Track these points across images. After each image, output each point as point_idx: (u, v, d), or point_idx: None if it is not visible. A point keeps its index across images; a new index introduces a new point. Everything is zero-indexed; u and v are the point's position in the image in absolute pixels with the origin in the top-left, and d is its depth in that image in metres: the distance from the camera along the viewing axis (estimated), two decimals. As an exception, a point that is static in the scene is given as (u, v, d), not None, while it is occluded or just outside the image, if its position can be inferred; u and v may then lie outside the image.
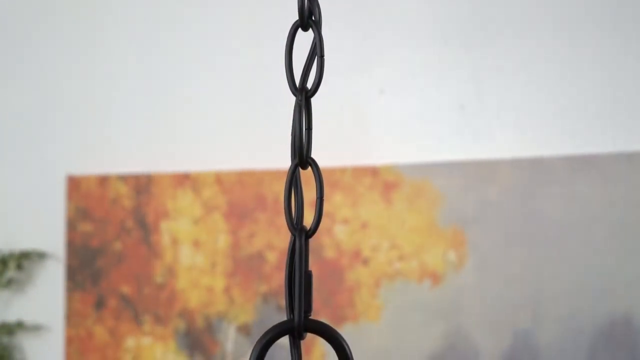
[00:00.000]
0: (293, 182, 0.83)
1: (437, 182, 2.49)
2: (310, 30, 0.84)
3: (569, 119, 2.45)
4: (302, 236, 0.81)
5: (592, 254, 2.38)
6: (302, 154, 0.82)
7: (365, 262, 2.54)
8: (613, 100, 2.42)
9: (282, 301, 2.58)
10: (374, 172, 2.55)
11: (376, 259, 2.53)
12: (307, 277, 0.82)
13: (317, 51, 0.82)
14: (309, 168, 0.83)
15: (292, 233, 0.82)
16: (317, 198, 0.83)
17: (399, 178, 2.53)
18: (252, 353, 0.82)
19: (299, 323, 0.81)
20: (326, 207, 2.55)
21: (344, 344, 0.83)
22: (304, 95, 0.83)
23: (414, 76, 2.56)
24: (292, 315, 0.81)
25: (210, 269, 2.69)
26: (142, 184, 2.77)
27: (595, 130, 2.42)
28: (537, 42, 2.49)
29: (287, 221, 0.82)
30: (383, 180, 2.54)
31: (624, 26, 2.46)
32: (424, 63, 2.56)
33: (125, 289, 2.78)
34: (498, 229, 2.44)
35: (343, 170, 2.56)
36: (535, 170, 2.43)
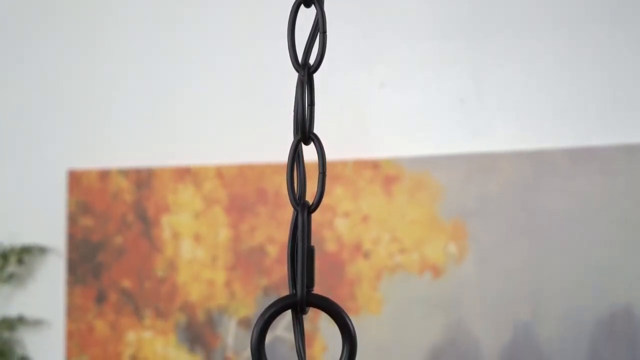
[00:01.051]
0: (295, 157, 0.83)
1: (438, 175, 2.49)
2: (312, 8, 0.84)
3: (569, 112, 2.45)
4: (304, 211, 0.81)
5: (593, 247, 2.38)
6: (304, 130, 0.82)
7: (366, 255, 2.54)
8: (613, 93, 2.42)
9: (284, 294, 2.58)
10: (374, 165, 2.55)
11: (377, 252, 2.53)
12: (310, 251, 0.82)
13: (319, 27, 0.83)
14: (311, 144, 0.83)
15: (294, 208, 0.82)
16: (319, 173, 0.83)
17: (400, 171, 2.53)
18: (254, 327, 0.82)
19: (302, 297, 0.81)
20: (327, 200, 2.55)
21: (347, 318, 0.83)
22: (306, 71, 0.83)
23: (415, 71, 2.57)
24: (294, 290, 0.82)
25: (211, 262, 2.70)
26: (143, 178, 2.78)
27: (595, 123, 2.42)
28: (537, 37, 2.49)
29: (289, 196, 0.82)
30: (384, 174, 2.54)
31: (623, 21, 2.46)
32: (424, 58, 2.56)
33: (126, 283, 2.78)
34: (499, 222, 2.45)
35: (344, 164, 2.56)
36: (536, 162, 2.43)
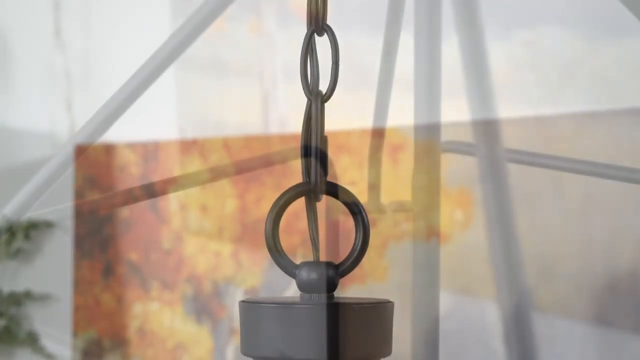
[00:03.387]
0: (309, 49, 0.85)
1: (443, 142, 2.50)
2: None
3: (574, 76, 2.46)
4: (318, 100, 0.83)
5: (599, 210, 2.39)
6: (318, 21, 0.84)
7: (373, 223, 2.54)
8: (618, 56, 2.43)
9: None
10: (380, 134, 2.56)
11: (383, 219, 2.54)
12: (323, 141, 0.83)
13: None
14: (325, 35, 0.85)
15: (308, 98, 0.83)
16: (332, 63, 0.84)
17: (405, 139, 2.54)
18: (268, 214, 0.83)
19: (316, 184, 0.83)
20: (332, 169, 2.56)
21: (359, 205, 0.85)
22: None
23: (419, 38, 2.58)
24: (308, 179, 0.83)
25: (217, 234, 2.71)
26: (150, 151, 2.79)
27: (602, 88, 2.43)
28: (542, 1, 2.50)
29: (303, 86, 0.84)
30: (389, 142, 2.55)
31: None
32: (429, 24, 2.57)
33: (133, 256, 2.79)
34: (504, 188, 2.45)
35: (349, 133, 2.57)
36: (541, 128, 2.44)
